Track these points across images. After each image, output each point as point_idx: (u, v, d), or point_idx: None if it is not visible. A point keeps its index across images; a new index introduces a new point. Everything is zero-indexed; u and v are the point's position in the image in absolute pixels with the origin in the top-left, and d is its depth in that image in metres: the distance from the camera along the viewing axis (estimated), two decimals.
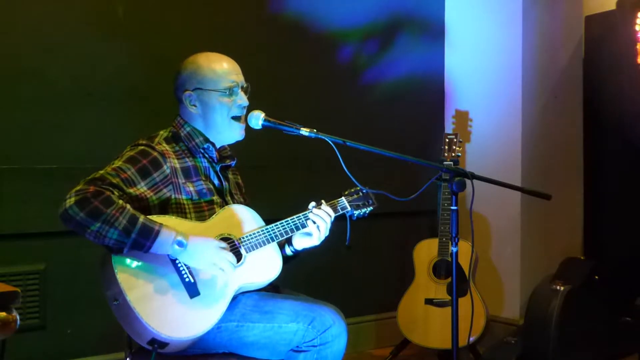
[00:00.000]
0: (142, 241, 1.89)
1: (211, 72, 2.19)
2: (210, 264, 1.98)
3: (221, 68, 2.20)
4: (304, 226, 2.19)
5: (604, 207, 4.00)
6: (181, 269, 1.97)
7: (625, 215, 3.88)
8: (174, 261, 1.97)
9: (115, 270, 1.90)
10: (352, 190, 2.32)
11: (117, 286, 1.89)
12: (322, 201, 2.25)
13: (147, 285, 1.92)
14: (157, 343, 1.89)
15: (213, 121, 2.20)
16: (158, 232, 1.91)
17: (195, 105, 2.20)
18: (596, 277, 3.59)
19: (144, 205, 2.03)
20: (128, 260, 1.93)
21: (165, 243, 1.92)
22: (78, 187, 1.91)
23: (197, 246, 1.97)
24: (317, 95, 3.62)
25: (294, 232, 2.17)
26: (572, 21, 4.00)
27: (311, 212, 2.19)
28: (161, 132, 2.22)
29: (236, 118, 2.21)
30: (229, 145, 2.33)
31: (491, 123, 3.89)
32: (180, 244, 1.93)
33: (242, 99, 2.20)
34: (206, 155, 2.22)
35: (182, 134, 2.21)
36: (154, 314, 1.89)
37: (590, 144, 4.03)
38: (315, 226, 2.19)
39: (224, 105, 2.19)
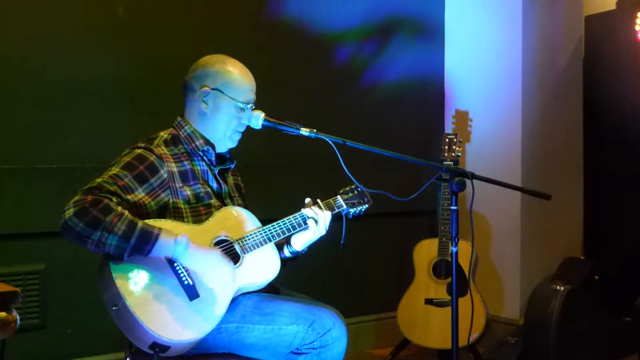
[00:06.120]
0: (141, 245, 1.88)
1: (237, 81, 2.19)
2: (207, 265, 1.98)
3: (247, 82, 2.21)
4: (300, 225, 2.19)
5: (604, 207, 4.00)
6: (180, 272, 1.96)
7: (625, 215, 3.87)
8: (172, 265, 1.96)
9: (114, 276, 1.88)
10: (348, 188, 2.33)
11: (116, 291, 1.87)
12: (318, 200, 2.25)
13: (146, 289, 1.91)
14: (159, 347, 1.88)
15: (215, 127, 2.20)
16: (157, 236, 1.90)
17: (206, 104, 2.19)
18: (596, 277, 3.60)
19: (142, 212, 2.02)
20: (126, 266, 1.91)
21: (165, 245, 1.91)
22: (76, 198, 1.89)
23: (196, 248, 1.98)
24: (317, 96, 3.61)
25: (290, 232, 2.17)
26: (572, 21, 4.00)
27: (308, 209, 2.20)
28: (161, 134, 2.20)
29: (236, 134, 2.23)
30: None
31: (491, 123, 3.88)
32: (179, 242, 1.92)
33: (247, 120, 2.20)
34: (205, 159, 2.21)
35: (182, 136, 2.20)
36: (154, 318, 1.88)
37: (590, 144, 4.03)
38: (312, 221, 2.19)
39: (233, 118, 2.19)
